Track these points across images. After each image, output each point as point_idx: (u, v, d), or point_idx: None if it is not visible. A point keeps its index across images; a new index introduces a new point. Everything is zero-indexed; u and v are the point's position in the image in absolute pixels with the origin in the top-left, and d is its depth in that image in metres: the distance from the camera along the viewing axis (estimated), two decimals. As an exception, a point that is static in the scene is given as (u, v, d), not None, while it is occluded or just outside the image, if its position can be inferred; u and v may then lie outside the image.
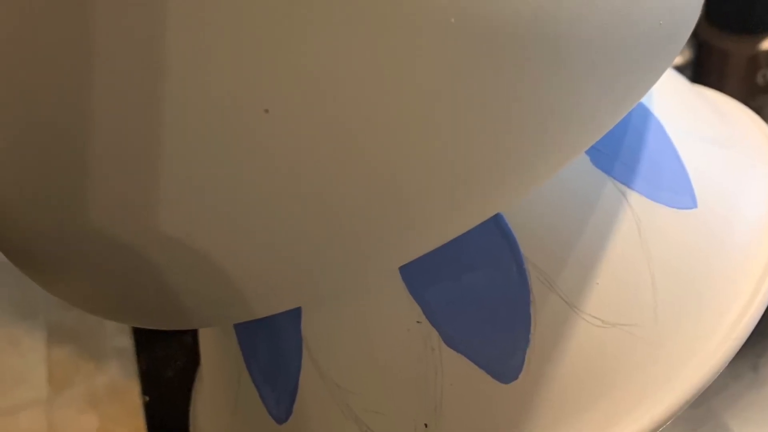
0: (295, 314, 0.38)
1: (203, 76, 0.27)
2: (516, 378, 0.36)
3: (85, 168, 0.29)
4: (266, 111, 0.27)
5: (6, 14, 0.28)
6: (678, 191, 0.39)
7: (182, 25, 0.26)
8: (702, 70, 0.71)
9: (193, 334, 0.59)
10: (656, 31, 0.31)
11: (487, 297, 0.36)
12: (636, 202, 0.38)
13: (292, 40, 0.26)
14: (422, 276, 0.36)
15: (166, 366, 0.60)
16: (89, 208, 0.30)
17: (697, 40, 0.71)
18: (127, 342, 0.61)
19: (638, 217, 0.37)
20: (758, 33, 0.69)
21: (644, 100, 0.41)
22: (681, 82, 0.46)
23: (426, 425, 0.37)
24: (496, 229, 0.36)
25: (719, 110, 0.46)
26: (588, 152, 0.37)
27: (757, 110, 0.49)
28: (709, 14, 0.70)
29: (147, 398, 0.59)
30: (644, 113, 0.40)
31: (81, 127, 0.28)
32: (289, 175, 0.28)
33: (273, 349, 0.40)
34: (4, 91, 0.29)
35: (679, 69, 0.70)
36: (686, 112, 0.43)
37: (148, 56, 0.27)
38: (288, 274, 0.31)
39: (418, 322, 0.36)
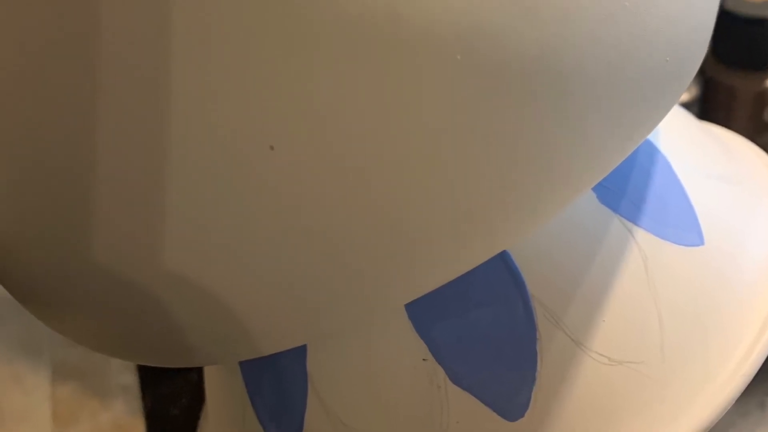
0: (301, 351, 0.38)
1: (208, 113, 0.27)
2: (522, 416, 0.36)
3: (90, 206, 0.29)
4: (272, 148, 0.27)
5: (11, 53, 0.28)
6: (685, 228, 0.39)
7: (187, 63, 0.26)
8: (709, 106, 0.71)
9: (199, 371, 0.59)
10: (662, 68, 0.31)
11: (494, 334, 0.36)
12: (643, 239, 0.37)
13: (297, 77, 0.26)
14: (428, 313, 0.36)
15: (171, 403, 0.59)
16: (94, 246, 0.30)
17: (703, 76, 0.71)
18: (131, 379, 0.61)
19: (645, 254, 0.37)
20: (765, 69, 0.68)
21: (651, 136, 0.41)
22: (688, 119, 0.46)
23: None
24: (502, 266, 0.36)
25: (726, 147, 0.46)
26: (595, 189, 0.37)
27: (764, 147, 0.48)
28: (716, 51, 0.70)
29: (152, 436, 0.59)
30: (651, 150, 0.40)
31: (86, 165, 0.28)
32: (294, 213, 0.28)
33: (278, 386, 0.40)
34: (10, 129, 0.29)
35: (686, 105, 0.70)
36: (693, 149, 0.43)
37: (153, 94, 0.27)
38: (294, 311, 0.31)
39: (423, 359, 0.36)
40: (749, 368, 0.37)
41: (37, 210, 0.30)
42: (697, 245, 0.39)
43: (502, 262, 0.36)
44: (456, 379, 0.36)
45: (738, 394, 0.37)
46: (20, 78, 0.28)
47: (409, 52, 0.26)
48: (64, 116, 0.28)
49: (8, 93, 0.28)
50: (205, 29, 0.26)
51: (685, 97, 0.70)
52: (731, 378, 0.37)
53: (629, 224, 0.37)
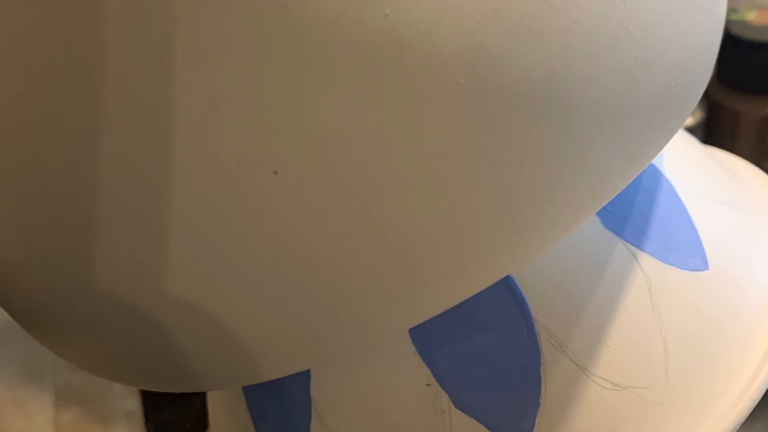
0: (304, 376, 0.38)
1: (212, 137, 0.27)
2: None
3: (93, 230, 0.29)
4: (275, 172, 0.27)
5: (16, 77, 0.28)
6: (689, 253, 0.39)
7: (191, 87, 0.26)
8: (713, 131, 0.71)
9: (202, 396, 0.59)
10: (667, 92, 0.31)
11: (498, 359, 0.36)
12: (647, 263, 0.37)
13: (301, 101, 0.26)
14: (432, 338, 0.36)
15: (174, 429, 0.59)
16: (97, 270, 0.30)
17: (708, 101, 0.71)
18: (134, 404, 0.61)
19: (649, 279, 0.37)
20: (770, 94, 0.69)
21: (655, 161, 0.41)
22: (692, 143, 0.46)
23: None
24: (506, 291, 0.35)
25: (731, 171, 0.46)
26: (599, 213, 0.37)
27: (769, 172, 0.48)
28: (721, 75, 0.70)
29: (155, 461, 0.58)
30: (655, 174, 0.40)
31: (89, 189, 0.28)
32: (297, 237, 0.28)
33: (281, 411, 0.40)
34: (12, 153, 0.29)
35: (691, 130, 0.70)
36: (697, 174, 0.43)
37: (157, 118, 0.27)
38: (297, 336, 0.31)
39: (427, 384, 0.36)
40: (754, 393, 0.37)
41: (40, 235, 0.30)
42: (702, 270, 0.39)
43: (506, 286, 0.35)
44: (460, 404, 0.36)
45: (743, 419, 0.37)
46: (24, 102, 0.28)
47: (412, 76, 0.26)
48: (68, 141, 0.28)
49: (12, 117, 0.28)
50: (209, 55, 0.26)
51: (689, 121, 0.70)
52: (736, 403, 0.37)
53: (633, 249, 0.37)
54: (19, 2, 0.27)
